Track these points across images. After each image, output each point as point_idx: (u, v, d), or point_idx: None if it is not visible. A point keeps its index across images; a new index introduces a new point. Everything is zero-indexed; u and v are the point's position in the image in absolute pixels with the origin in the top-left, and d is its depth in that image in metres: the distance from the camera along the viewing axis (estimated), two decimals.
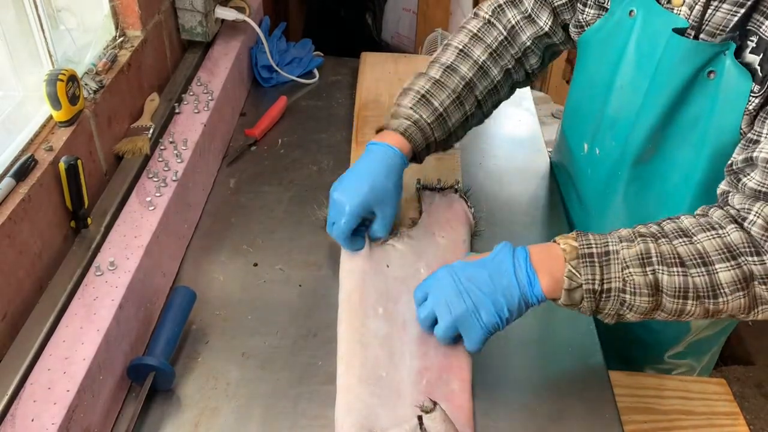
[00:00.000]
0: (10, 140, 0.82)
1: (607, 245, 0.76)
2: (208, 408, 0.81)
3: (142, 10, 1.09)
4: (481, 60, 1.00)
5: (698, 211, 0.82)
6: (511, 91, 1.09)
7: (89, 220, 0.88)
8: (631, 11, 0.90)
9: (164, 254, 0.94)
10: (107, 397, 0.77)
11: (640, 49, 0.89)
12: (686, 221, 0.79)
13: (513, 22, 1.01)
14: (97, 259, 0.84)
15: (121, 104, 1.03)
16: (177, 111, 1.14)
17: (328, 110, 1.41)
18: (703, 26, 0.82)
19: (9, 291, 0.75)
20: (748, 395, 2.05)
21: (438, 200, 1.06)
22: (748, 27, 0.79)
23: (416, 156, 0.98)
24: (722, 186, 0.83)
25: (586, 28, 0.98)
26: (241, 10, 1.36)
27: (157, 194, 0.95)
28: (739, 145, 0.81)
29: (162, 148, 1.05)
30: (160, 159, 1.03)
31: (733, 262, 0.74)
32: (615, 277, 0.74)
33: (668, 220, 0.80)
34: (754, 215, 0.75)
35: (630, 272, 0.74)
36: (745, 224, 0.76)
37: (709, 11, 0.81)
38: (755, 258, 0.74)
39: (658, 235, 0.77)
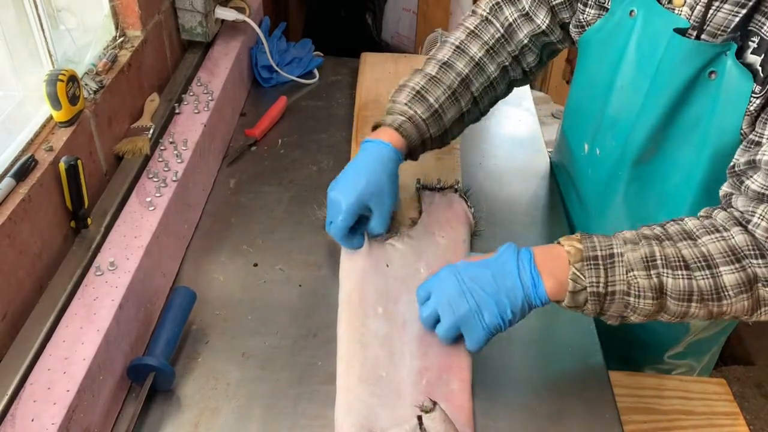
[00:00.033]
0: (10, 140, 0.82)
1: (612, 248, 0.75)
2: (208, 408, 0.81)
3: (142, 10, 1.09)
4: (477, 57, 1.00)
5: (702, 213, 0.82)
6: (509, 89, 1.09)
7: (89, 220, 0.88)
8: (632, 11, 0.90)
9: (164, 254, 0.94)
10: (107, 397, 0.77)
11: (641, 49, 0.89)
12: (690, 223, 0.78)
13: (510, 20, 1.01)
14: (97, 259, 0.84)
15: (121, 104, 1.03)
16: (177, 111, 1.14)
17: (328, 110, 1.41)
18: (705, 27, 0.82)
19: (9, 291, 0.75)
20: (748, 395, 2.05)
21: (438, 200, 1.06)
22: (749, 27, 0.79)
23: (412, 152, 0.98)
24: (725, 188, 0.83)
25: (586, 28, 0.98)
26: (241, 10, 1.36)
27: (157, 194, 0.95)
28: (741, 146, 0.81)
29: (162, 148, 1.05)
30: (160, 159, 1.03)
31: (737, 265, 0.74)
32: (619, 280, 0.74)
33: (672, 222, 0.79)
34: (758, 218, 0.75)
35: (634, 275, 0.74)
36: (750, 227, 0.76)
37: (711, 12, 0.81)
38: (759, 261, 0.74)
39: (663, 237, 0.77)
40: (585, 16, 0.98)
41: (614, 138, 0.97)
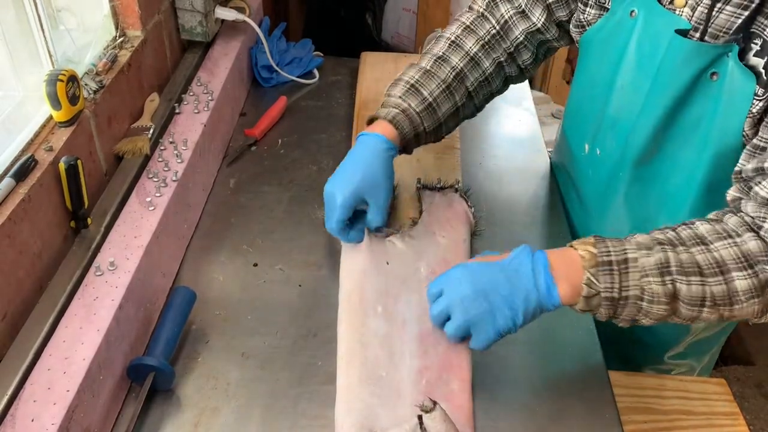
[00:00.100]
0: (10, 140, 0.82)
1: (626, 252, 0.75)
2: (208, 408, 0.81)
3: (142, 10, 1.09)
4: (472, 51, 1.01)
5: (711, 216, 0.81)
6: (505, 86, 1.08)
7: (89, 220, 0.88)
8: (632, 11, 0.89)
9: (164, 254, 0.94)
10: (107, 397, 0.77)
11: (642, 49, 0.89)
12: (702, 228, 0.78)
13: (506, 17, 1.01)
14: (97, 259, 0.84)
15: (121, 104, 1.03)
16: (177, 111, 1.14)
17: (328, 110, 1.41)
18: (708, 28, 0.82)
19: (9, 291, 0.75)
20: (748, 395, 2.05)
21: (438, 200, 1.06)
22: (751, 29, 0.79)
23: (406, 146, 0.98)
24: (733, 192, 0.82)
25: (587, 28, 0.98)
26: (241, 10, 1.36)
27: (157, 194, 0.95)
28: (745, 151, 0.81)
29: (162, 148, 1.05)
30: (160, 159, 1.03)
31: (750, 271, 0.74)
32: (633, 285, 0.74)
33: (684, 226, 0.79)
34: None
35: (649, 281, 0.74)
36: (761, 232, 0.76)
37: (713, 13, 0.80)
38: None
39: (676, 242, 0.76)
40: (585, 15, 0.98)
41: (615, 138, 0.97)
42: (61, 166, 0.82)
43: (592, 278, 0.74)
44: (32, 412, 0.67)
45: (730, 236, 0.76)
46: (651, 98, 0.89)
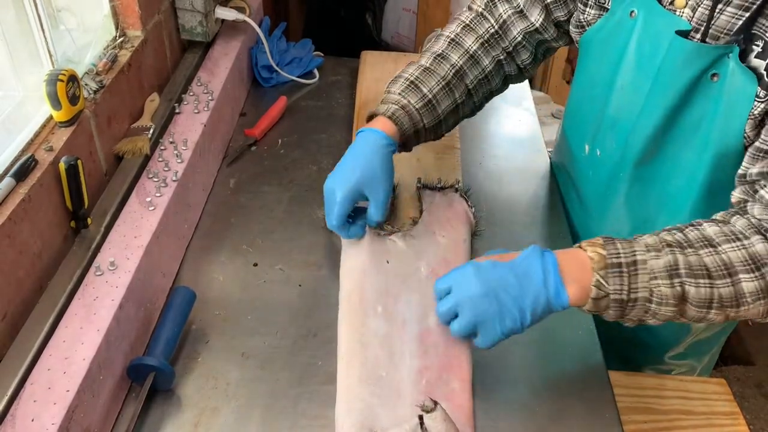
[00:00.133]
0: (10, 140, 0.82)
1: (635, 254, 0.75)
2: (208, 408, 0.81)
3: (142, 10, 1.09)
4: (472, 49, 1.01)
5: (718, 217, 0.81)
6: (505, 85, 1.09)
7: (89, 220, 0.88)
8: (632, 12, 0.89)
9: (164, 254, 0.94)
10: (107, 397, 0.77)
11: (641, 49, 0.89)
12: (709, 230, 0.78)
13: (504, 17, 1.02)
14: (97, 259, 0.84)
15: (121, 104, 1.03)
16: (177, 111, 1.14)
17: (328, 110, 1.41)
18: (709, 29, 0.81)
19: (9, 291, 0.75)
20: (748, 395, 2.05)
21: (438, 199, 1.06)
22: (753, 31, 0.79)
23: (406, 142, 0.98)
24: (737, 194, 0.83)
25: (587, 28, 0.98)
26: (241, 10, 1.36)
27: (157, 194, 0.95)
28: (748, 154, 0.81)
29: (162, 148, 1.05)
30: (160, 159, 1.03)
31: (757, 273, 0.74)
32: (642, 288, 0.74)
33: (691, 227, 0.79)
34: None
35: (658, 283, 0.74)
36: None
37: (714, 14, 0.80)
38: None
39: (684, 244, 0.76)
40: (585, 16, 0.98)
41: (614, 139, 0.97)
42: (61, 166, 0.82)
43: (601, 280, 0.74)
44: (32, 412, 0.67)
45: (738, 239, 0.76)
46: (651, 99, 0.89)
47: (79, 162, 0.83)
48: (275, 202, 1.14)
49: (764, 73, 0.78)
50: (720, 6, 0.80)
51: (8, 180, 0.76)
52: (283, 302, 0.96)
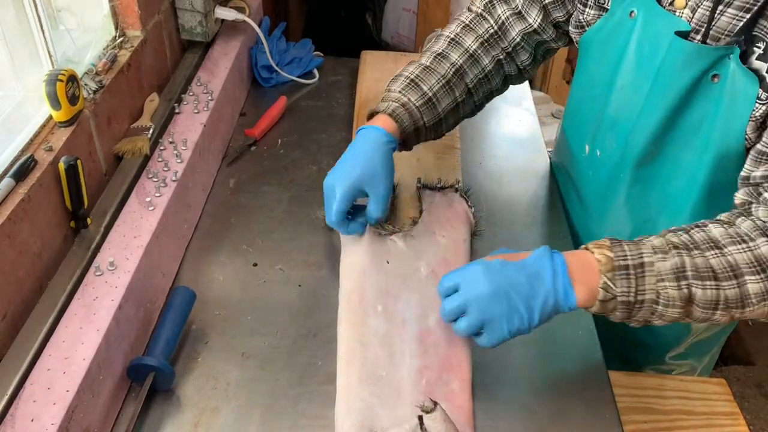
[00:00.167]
0: (10, 140, 0.82)
1: (642, 256, 0.75)
2: (208, 408, 0.81)
3: (142, 10, 1.09)
4: (472, 48, 1.01)
5: (723, 218, 0.81)
6: (505, 85, 1.09)
7: (89, 220, 0.88)
8: (632, 12, 0.89)
9: (164, 254, 0.94)
10: (107, 397, 0.77)
11: (641, 50, 0.89)
12: (715, 231, 0.78)
13: (503, 18, 1.02)
14: (97, 259, 0.84)
15: (120, 104, 1.03)
16: (177, 111, 1.14)
17: (328, 110, 1.41)
18: (709, 30, 0.81)
19: (9, 291, 0.75)
20: (748, 395, 2.05)
21: (438, 199, 1.06)
22: (754, 33, 0.79)
23: (406, 140, 0.98)
24: (741, 196, 0.83)
25: (586, 28, 0.98)
26: (241, 10, 1.36)
27: (157, 194, 0.95)
28: (751, 156, 0.81)
29: (162, 148, 1.05)
30: (160, 159, 1.02)
31: (762, 275, 0.74)
32: (649, 289, 0.74)
33: (696, 229, 0.79)
34: None
35: (665, 285, 0.74)
36: None
37: (715, 15, 0.80)
38: None
39: (691, 246, 0.76)
40: (585, 16, 0.98)
41: (614, 139, 0.97)
42: (61, 166, 0.82)
43: (608, 282, 0.74)
44: (32, 412, 0.67)
45: (744, 241, 0.76)
46: (651, 99, 0.89)
47: (78, 162, 0.83)
48: (275, 202, 1.14)
49: (766, 75, 0.78)
50: (721, 7, 0.80)
51: (8, 180, 0.76)
52: (283, 302, 0.96)
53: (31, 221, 0.78)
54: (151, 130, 1.05)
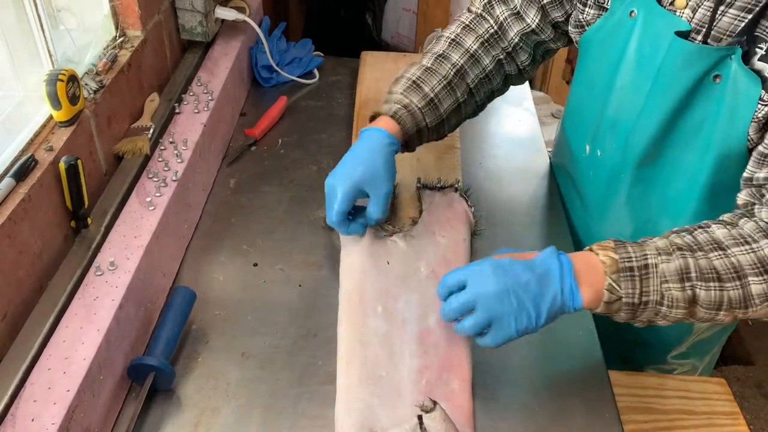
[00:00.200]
0: (10, 140, 0.82)
1: (646, 258, 0.75)
2: (208, 408, 0.81)
3: (142, 10, 1.09)
4: (472, 49, 1.01)
5: (726, 219, 0.81)
6: (506, 85, 1.09)
7: (89, 220, 0.88)
8: (632, 12, 0.89)
9: (164, 254, 0.94)
10: (107, 397, 0.77)
11: (641, 50, 0.89)
12: (718, 232, 0.78)
13: (501, 18, 1.02)
14: (97, 259, 0.84)
15: (121, 104, 1.03)
16: (177, 111, 1.14)
17: (328, 110, 1.41)
18: (711, 30, 0.81)
19: (9, 291, 0.75)
20: (748, 395, 2.05)
21: (438, 199, 1.06)
22: (755, 33, 0.78)
23: (409, 142, 0.98)
24: (743, 196, 0.83)
25: (586, 28, 0.98)
26: (241, 10, 1.36)
27: (157, 194, 0.95)
28: (753, 157, 0.81)
29: (162, 148, 1.05)
30: (160, 159, 1.03)
31: (765, 276, 0.75)
32: (654, 291, 0.74)
33: (700, 230, 0.79)
34: None
35: (669, 287, 0.74)
36: None
37: (716, 15, 0.80)
38: None
39: (694, 247, 0.76)
40: (584, 15, 0.97)
41: (614, 140, 0.97)
42: (61, 166, 0.82)
43: (613, 284, 0.74)
44: (32, 412, 0.67)
45: (747, 242, 0.76)
46: (651, 100, 0.89)
47: (79, 162, 0.83)
48: (275, 202, 1.14)
49: None
50: (722, 8, 0.80)
51: (8, 180, 0.76)
52: (283, 302, 0.96)
53: (31, 221, 0.78)
54: (151, 130, 1.05)
